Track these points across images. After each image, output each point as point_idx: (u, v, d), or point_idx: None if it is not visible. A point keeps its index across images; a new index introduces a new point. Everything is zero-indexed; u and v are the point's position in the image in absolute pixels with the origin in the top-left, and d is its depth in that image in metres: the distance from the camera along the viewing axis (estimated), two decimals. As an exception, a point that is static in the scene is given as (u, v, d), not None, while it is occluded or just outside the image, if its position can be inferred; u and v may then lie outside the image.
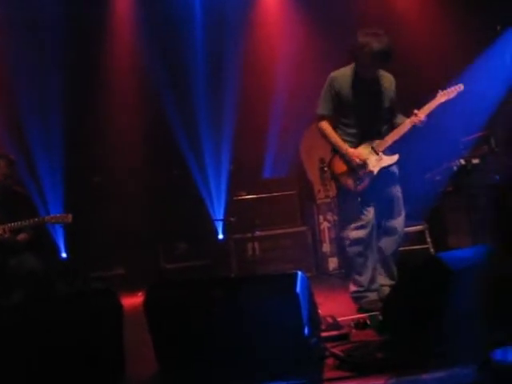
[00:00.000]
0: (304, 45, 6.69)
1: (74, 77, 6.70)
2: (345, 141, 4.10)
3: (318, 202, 6.48)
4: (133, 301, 4.85)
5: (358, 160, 4.02)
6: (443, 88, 4.10)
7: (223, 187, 6.93)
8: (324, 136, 4.18)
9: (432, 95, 4.10)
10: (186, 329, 2.79)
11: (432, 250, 5.35)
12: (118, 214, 6.71)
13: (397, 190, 4.15)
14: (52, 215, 4.62)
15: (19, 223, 4.42)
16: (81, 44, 6.69)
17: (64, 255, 6.82)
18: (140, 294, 5.32)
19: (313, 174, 6.72)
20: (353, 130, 4.12)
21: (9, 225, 4.38)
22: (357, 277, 4.14)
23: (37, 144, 6.70)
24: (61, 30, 6.60)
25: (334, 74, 4.15)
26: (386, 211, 4.13)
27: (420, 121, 4.03)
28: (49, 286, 4.72)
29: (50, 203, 6.66)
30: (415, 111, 4.06)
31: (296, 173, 6.95)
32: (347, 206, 4.18)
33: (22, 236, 4.49)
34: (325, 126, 4.15)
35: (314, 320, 2.93)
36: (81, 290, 6.03)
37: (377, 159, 4.07)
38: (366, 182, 4.05)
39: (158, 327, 2.86)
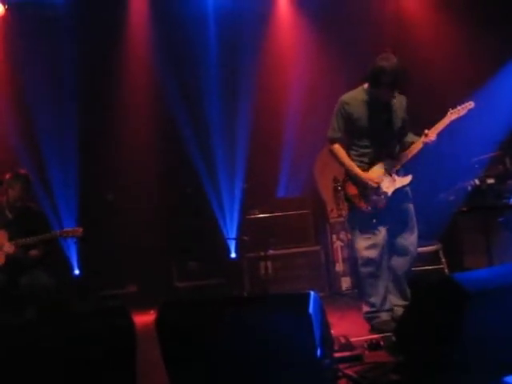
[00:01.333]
0: (318, 64, 6.72)
1: (88, 93, 6.78)
2: (358, 161, 4.10)
3: (331, 221, 6.45)
4: (145, 319, 4.83)
5: (371, 183, 4.01)
6: (453, 106, 4.09)
7: (236, 206, 6.93)
8: (336, 159, 4.20)
9: (442, 114, 4.10)
10: (197, 348, 2.77)
11: (447, 270, 5.30)
12: (131, 231, 6.73)
13: (410, 210, 4.14)
14: (62, 230, 4.63)
15: (31, 239, 4.44)
16: (94, 61, 6.78)
17: (77, 272, 6.84)
18: (152, 312, 5.30)
19: (326, 193, 6.70)
20: (366, 151, 4.12)
21: (21, 241, 4.39)
22: (369, 297, 4.11)
23: (51, 160, 6.77)
24: (75, 43, 6.71)
25: (344, 97, 4.16)
26: (398, 230, 4.11)
27: (431, 140, 4.02)
28: (61, 303, 4.71)
29: (64, 220, 6.69)
30: (426, 131, 4.05)
31: (309, 192, 6.93)
32: (360, 227, 4.15)
33: (34, 252, 4.51)
34: (336, 149, 4.16)
35: (327, 340, 2.89)
36: (93, 308, 6.04)
37: (390, 180, 4.06)
38: (380, 203, 4.04)
39: (169, 346, 2.84)
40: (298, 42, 7.01)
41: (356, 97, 4.13)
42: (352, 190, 4.12)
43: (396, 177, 4.08)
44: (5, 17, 6.86)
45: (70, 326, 2.89)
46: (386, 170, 4.07)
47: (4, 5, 6.82)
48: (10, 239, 4.41)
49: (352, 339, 3.56)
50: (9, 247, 4.35)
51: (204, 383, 2.75)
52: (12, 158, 5.90)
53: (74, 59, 6.73)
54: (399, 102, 4.16)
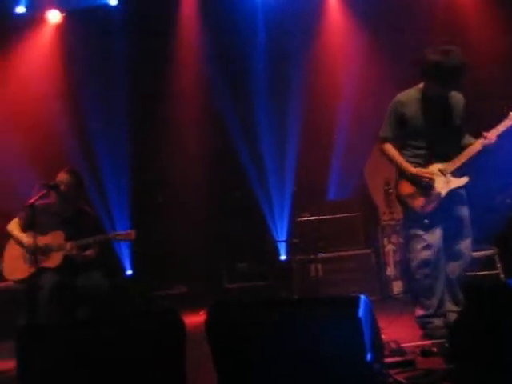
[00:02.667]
0: (369, 65, 6.63)
1: (140, 97, 6.92)
2: (412, 162, 4.02)
3: (383, 224, 6.37)
4: (195, 319, 4.88)
5: (426, 176, 3.91)
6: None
7: (286, 208, 6.93)
8: (387, 158, 4.12)
9: (503, 115, 3.96)
10: (246, 349, 2.77)
11: (502, 275, 5.14)
12: (181, 232, 6.82)
13: (464, 212, 4.02)
14: (116, 232, 4.72)
15: (86, 240, 4.54)
16: (146, 63, 6.91)
17: (129, 272, 6.98)
18: (202, 312, 5.36)
19: (377, 196, 6.62)
20: (420, 152, 4.03)
21: (76, 242, 4.50)
22: (424, 300, 4.03)
23: (104, 163, 6.94)
24: (127, 48, 6.86)
25: (399, 96, 4.09)
26: (452, 233, 4.01)
27: (491, 143, 3.90)
28: (113, 303, 4.81)
29: (117, 222, 6.85)
30: (484, 133, 3.93)
31: (360, 194, 6.86)
32: (413, 228, 4.07)
33: (88, 253, 4.61)
34: (387, 147, 4.09)
35: (377, 345, 2.85)
36: (144, 309, 6.14)
37: (445, 181, 3.96)
38: (434, 203, 3.95)
39: (219, 347, 2.85)
40: (348, 42, 6.93)
41: (410, 95, 4.05)
42: (405, 189, 4.04)
43: (451, 178, 3.97)
44: (61, 23, 7.09)
45: (122, 325, 2.94)
46: (440, 170, 3.97)
47: (61, 12, 7.06)
48: (66, 240, 4.52)
49: (403, 344, 3.49)
50: (69, 247, 4.46)
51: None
52: (66, 162, 6.06)
53: (126, 61, 6.88)
54: (456, 100, 4.05)
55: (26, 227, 4.57)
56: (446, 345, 3.25)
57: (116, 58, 6.95)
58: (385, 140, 4.11)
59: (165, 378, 2.80)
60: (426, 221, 3.96)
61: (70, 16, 7.06)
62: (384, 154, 4.13)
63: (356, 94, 6.61)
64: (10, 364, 3.47)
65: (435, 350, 3.36)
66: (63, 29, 7.10)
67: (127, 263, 6.98)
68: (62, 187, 4.49)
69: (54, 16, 7.05)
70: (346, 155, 6.81)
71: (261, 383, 2.71)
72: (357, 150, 6.71)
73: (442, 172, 3.96)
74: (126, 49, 6.90)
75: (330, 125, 6.79)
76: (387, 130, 4.09)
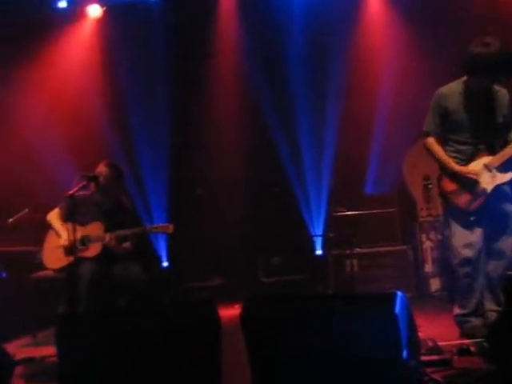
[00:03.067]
0: (409, 60, 6.53)
1: (180, 92, 6.97)
2: (455, 158, 3.94)
3: (421, 220, 6.28)
4: (230, 312, 4.90)
5: (470, 175, 3.84)
6: None
7: (323, 202, 6.90)
8: (430, 154, 4.05)
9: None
10: (280, 344, 2.77)
11: (545, 275, 5.00)
12: (218, 225, 6.86)
13: (509, 210, 3.92)
14: (154, 225, 4.76)
15: (124, 231, 4.60)
16: (186, 59, 6.96)
17: (166, 264, 7.06)
18: (237, 306, 5.38)
19: (416, 192, 6.51)
20: (463, 147, 3.95)
21: (115, 233, 4.57)
22: (462, 299, 3.96)
23: (143, 157, 7.02)
24: (167, 42, 6.91)
25: (441, 90, 4.01)
26: (495, 232, 3.91)
27: None
28: (150, 294, 4.86)
29: (155, 215, 6.93)
30: None
31: (398, 189, 6.77)
32: (456, 225, 3.99)
33: (126, 244, 4.67)
34: (430, 143, 4.02)
35: (414, 343, 2.81)
36: (180, 300, 6.21)
37: (490, 176, 3.86)
38: (479, 200, 3.86)
39: (253, 341, 2.86)
40: (388, 38, 6.83)
41: (453, 89, 3.97)
42: (448, 186, 3.96)
43: (496, 173, 3.88)
44: (102, 18, 7.19)
45: (159, 316, 2.98)
46: (485, 166, 3.87)
47: (101, 6, 7.15)
48: (105, 231, 4.60)
49: (440, 343, 3.44)
50: (108, 239, 4.53)
51: (286, 378, 2.75)
52: (106, 155, 6.15)
53: (165, 55, 6.95)
54: (500, 95, 3.95)
55: (65, 218, 4.65)
56: (485, 344, 3.19)
57: (155, 52, 7.01)
58: (428, 134, 4.04)
59: (200, 368, 2.83)
60: (472, 218, 3.87)
61: (111, 10, 7.15)
62: (427, 149, 4.06)
63: (395, 87, 6.52)
64: (51, 350, 3.55)
65: (473, 349, 3.30)
66: (103, 23, 7.20)
67: (164, 255, 7.07)
68: (101, 179, 4.55)
69: (94, 10, 7.15)
70: (384, 149, 6.73)
71: (294, 378, 2.71)
72: (395, 144, 6.62)
73: (487, 167, 3.86)
74: (166, 43, 6.95)
75: (369, 119, 6.72)
76: (430, 124, 4.02)
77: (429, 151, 4.05)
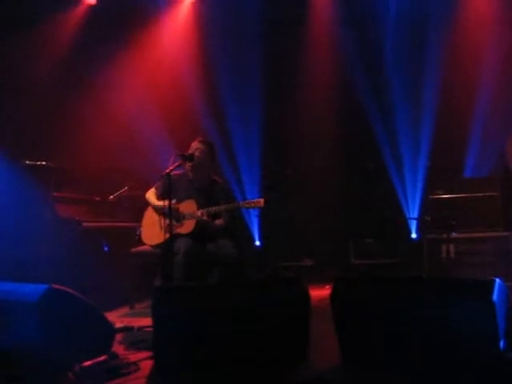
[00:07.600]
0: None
1: (274, 70, 6.97)
2: None
3: (526, 205, 5.95)
4: (320, 293, 4.90)
5: None
6: None
7: (419, 184, 6.70)
8: None
9: None
10: (370, 327, 2.74)
11: None
12: (309, 205, 6.85)
13: None
14: (246, 200, 4.80)
15: (217, 208, 4.69)
16: (279, 34, 6.93)
17: (257, 243, 7.15)
18: (327, 287, 5.36)
19: (520, 176, 6.17)
20: None
21: (208, 209, 4.67)
22: None
23: (237, 135, 7.13)
24: (262, 29, 6.92)
25: None
26: None
27: None
28: (241, 272, 4.94)
29: (248, 192, 7.03)
30: None
31: (500, 173, 6.44)
32: None
33: (219, 221, 4.76)
34: None
35: (512, 333, 2.68)
36: (271, 277, 6.27)
37: None
38: None
39: (342, 322, 2.84)
40: (488, 18, 6.47)
41: None
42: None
43: None
44: (198, 1, 7.30)
45: (251, 290, 3.03)
46: None
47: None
48: (198, 208, 4.70)
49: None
50: (201, 215, 4.63)
51: (375, 359, 2.71)
52: (201, 134, 6.29)
53: (259, 35, 6.96)
54: None
55: (161, 196, 4.80)
56: None
57: (250, 31, 7.04)
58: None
59: (289, 343, 2.85)
60: None
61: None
62: None
63: (497, 69, 6.18)
64: (147, 321, 3.71)
65: None
66: (199, 6, 7.30)
67: (256, 234, 7.16)
68: (197, 154, 4.66)
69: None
70: (485, 130, 6.43)
71: (383, 362, 2.67)
72: (498, 124, 6.29)
73: None
74: (260, 22, 6.96)
75: (470, 98, 6.43)
76: None
77: None
